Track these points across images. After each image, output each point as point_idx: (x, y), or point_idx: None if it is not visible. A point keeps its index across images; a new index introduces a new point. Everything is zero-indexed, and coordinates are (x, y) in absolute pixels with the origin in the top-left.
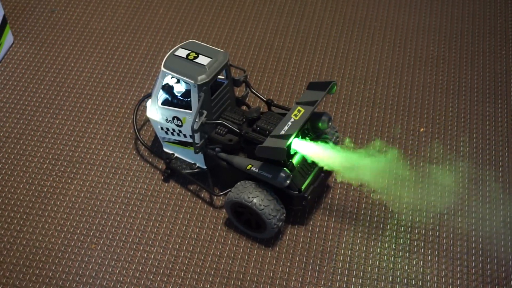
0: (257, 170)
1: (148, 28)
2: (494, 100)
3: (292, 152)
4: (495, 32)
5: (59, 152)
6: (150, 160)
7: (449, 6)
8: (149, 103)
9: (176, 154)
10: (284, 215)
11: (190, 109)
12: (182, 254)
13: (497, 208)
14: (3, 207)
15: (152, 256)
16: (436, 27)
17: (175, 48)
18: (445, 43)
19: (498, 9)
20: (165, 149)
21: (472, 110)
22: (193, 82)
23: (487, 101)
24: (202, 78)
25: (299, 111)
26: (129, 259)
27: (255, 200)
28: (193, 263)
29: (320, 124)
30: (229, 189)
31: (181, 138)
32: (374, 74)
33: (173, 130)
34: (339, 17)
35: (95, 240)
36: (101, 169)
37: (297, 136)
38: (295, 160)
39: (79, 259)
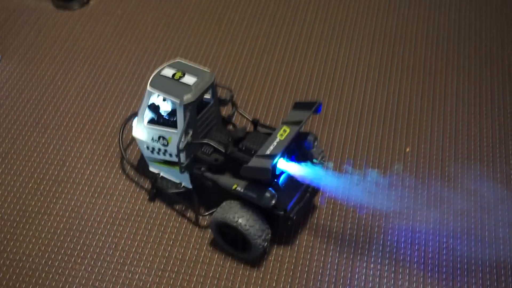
0: (242, 190)
1: (135, 47)
2: (479, 107)
3: (277, 172)
4: (481, 39)
5: (44, 171)
6: (136, 179)
7: (435, 13)
8: (135, 122)
9: (161, 174)
10: (269, 235)
11: (176, 129)
12: (166, 275)
13: (482, 228)
14: None
15: (137, 277)
16: (423, 34)
17: (161, 67)
18: (431, 50)
19: (483, 16)
20: (151, 169)
21: (457, 119)
22: (178, 101)
23: (473, 108)
24: (188, 97)
25: (284, 131)
26: (113, 280)
27: (240, 220)
28: (178, 283)
29: (306, 144)
30: (214, 209)
31: (167, 158)
32: (361, 94)
33: (159, 149)
34: (326, 37)
35: (79, 260)
36: (86, 188)
37: (282, 156)
38: (280, 180)
39: (63, 279)
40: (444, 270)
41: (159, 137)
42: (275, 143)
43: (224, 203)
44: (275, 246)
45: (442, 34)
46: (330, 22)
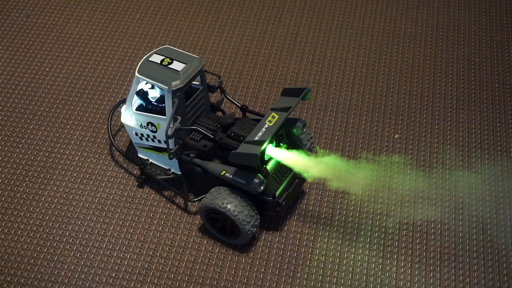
0: (231, 176)
1: (124, 34)
2: (468, 107)
3: (266, 158)
4: (469, 40)
5: (32, 157)
6: (125, 166)
7: (424, 14)
8: (123, 108)
9: (150, 160)
10: (258, 221)
11: (165, 115)
12: (156, 260)
13: (470, 214)
14: None
15: (126, 263)
16: (411, 34)
17: (149, 53)
18: (420, 50)
19: (472, 17)
20: (140, 155)
21: (446, 117)
22: (167, 87)
23: (461, 108)
24: (176, 84)
25: (273, 117)
26: (103, 266)
27: (229, 206)
28: (167, 269)
29: (294, 130)
30: (203, 195)
31: (156, 144)
32: (350, 81)
33: (148, 135)
34: (316, 24)
35: (68, 246)
36: (75, 174)
37: (271, 142)
38: (269, 166)
39: (52, 265)
40: (431, 256)
41: (148, 124)
42: (263, 129)
43: (213, 189)
44: (264, 232)
45: (430, 34)
46: (318, 15)
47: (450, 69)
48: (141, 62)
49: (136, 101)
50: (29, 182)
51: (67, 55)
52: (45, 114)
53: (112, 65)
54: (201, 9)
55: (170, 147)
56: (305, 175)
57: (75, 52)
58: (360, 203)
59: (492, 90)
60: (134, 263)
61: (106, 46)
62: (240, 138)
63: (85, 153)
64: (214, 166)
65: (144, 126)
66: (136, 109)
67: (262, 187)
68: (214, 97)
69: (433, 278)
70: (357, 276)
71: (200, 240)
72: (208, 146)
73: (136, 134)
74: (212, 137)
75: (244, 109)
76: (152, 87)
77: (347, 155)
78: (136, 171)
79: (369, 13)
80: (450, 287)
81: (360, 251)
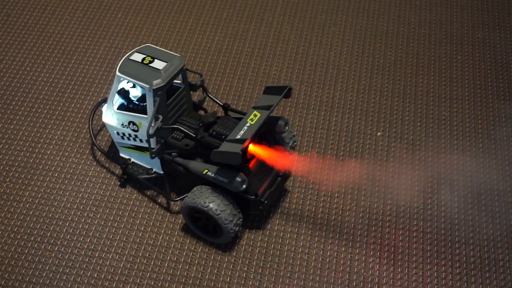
0: (213, 175)
1: (106, 33)
2: (449, 104)
3: (248, 157)
4: (451, 37)
5: (13, 157)
6: (107, 165)
7: (406, 12)
8: (104, 108)
9: (132, 159)
10: (240, 220)
11: (146, 114)
12: (138, 260)
13: (452, 211)
14: None
15: (108, 263)
16: (394, 32)
17: (130, 52)
18: (402, 48)
19: (454, 15)
20: (122, 154)
21: (428, 114)
22: (148, 86)
23: (443, 105)
24: (157, 82)
25: (255, 115)
26: (84, 266)
27: (211, 205)
28: (150, 269)
29: (276, 128)
30: (186, 194)
31: (137, 143)
32: (333, 79)
33: (129, 135)
34: (298, 22)
35: (49, 247)
36: (56, 174)
37: (253, 140)
38: (251, 165)
39: (33, 266)
40: (414, 253)
41: (129, 123)
42: (245, 128)
43: (195, 188)
44: (247, 230)
45: (413, 32)
46: (301, 13)
47: (432, 67)
48: (122, 61)
49: (118, 100)
50: (10, 182)
51: (48, 54)
52: (25, 114)
53: (94, 64)
54: (184, 7)
55: (151, 146)
56: (287, 173)
57: (56, 51)
58: (343, 201)
59: (474, 87)
60: (116, 263)
61: (87, 45)
62: (222, 136)
63: (67, 153)
64: (196, 165)
65: (125, 125)
66: (118, 108)
67: (244, 186)
68: (196, 96)
69: (415, 275)
70: (340, 274)
71: (182, 240)
72: (190, 145)
73: (118, 133)
74: (194, 136)
75: (226, 107)
76: (134, 86)
77: (330, 153)
78: (118, 170)
79: (351, 11)
80: (432, 284)
81: (343, 249)
